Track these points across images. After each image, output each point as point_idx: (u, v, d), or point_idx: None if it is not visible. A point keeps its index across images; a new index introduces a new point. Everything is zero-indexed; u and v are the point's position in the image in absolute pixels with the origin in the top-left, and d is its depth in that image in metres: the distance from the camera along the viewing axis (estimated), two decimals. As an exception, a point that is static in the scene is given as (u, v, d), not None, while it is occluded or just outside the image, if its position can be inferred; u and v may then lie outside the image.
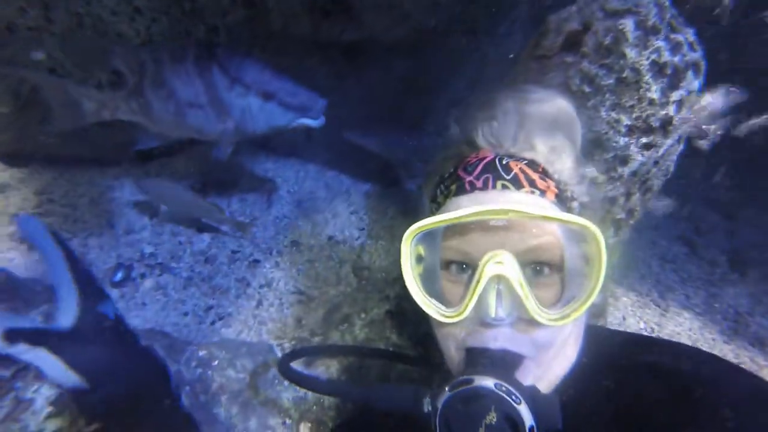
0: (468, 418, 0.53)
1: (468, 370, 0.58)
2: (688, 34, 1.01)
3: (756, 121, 1.70)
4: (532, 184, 0.65)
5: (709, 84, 1.09)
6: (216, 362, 1.06)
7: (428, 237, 0.66)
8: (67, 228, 1.53)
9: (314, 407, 1.17)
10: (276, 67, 1.34)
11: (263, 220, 1.76)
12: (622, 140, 0.99)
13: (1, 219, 1.40)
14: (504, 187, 0.64)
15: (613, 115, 0.97)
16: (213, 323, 1.40)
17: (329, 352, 1.22)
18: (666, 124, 0.94)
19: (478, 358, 0.59)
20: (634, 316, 1.80)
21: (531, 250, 0.61)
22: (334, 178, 1.95)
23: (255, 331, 1.37)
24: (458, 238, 0.64)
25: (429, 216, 0.66)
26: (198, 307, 1.45)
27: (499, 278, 0.59)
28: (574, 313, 0.59)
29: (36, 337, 0.59)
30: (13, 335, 0.57)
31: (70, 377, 0.61)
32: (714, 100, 1.14)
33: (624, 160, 1.01)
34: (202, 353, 1.04)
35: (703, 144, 1.17)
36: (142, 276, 1.54)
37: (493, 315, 0.58)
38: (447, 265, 0.67)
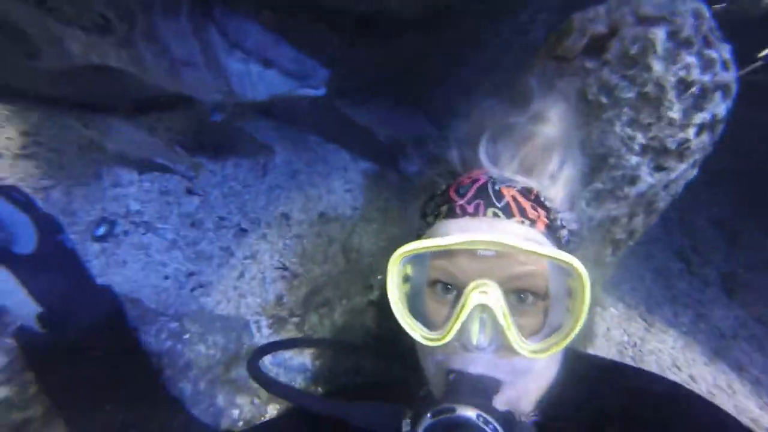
0: None
1: (449, 397, 0.59)
2: (723, 51, 0.94)
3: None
4: (522, 213, 0.65)
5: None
6: (187, 336, 1.04)
7: (416, 258, 0.67)
8: (51, 174, 1.48)
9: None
10: (282, 31, 1.27)
11: (256, 189, 1.71)
12: (634, 159, 0.93)
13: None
14: (494, 215, 0.65)
15: (628, 131, 0.91)
16: (193, 290, 1.38)
17: (303, 345, 1.21)
18: (683, 148, 0.89)
19: (458, 384, 0.60)
20: (619, 328, 1.78)
21: (516, 278, 0.62)
22: (334, 152, 1.89)
23: (234, 304, 1.35)
24: (446, 260, 0.65)
25: (418, 234, 0.70)
26: (179, 271, 1.43)
27: (483, 307, 0.59)
28: (554, 347, 0.61)
29: None
30: None
31: (30, 305, 0.59)
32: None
33: (632, 181, 0.95)
34: (173, 325, 1.02)
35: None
36: (126, 233, 1.50)
37: (474, 342, 0.60)
38: (433, 284, 0.68)
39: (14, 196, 0.62)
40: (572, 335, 0.60)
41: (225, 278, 1.42)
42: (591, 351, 0.91)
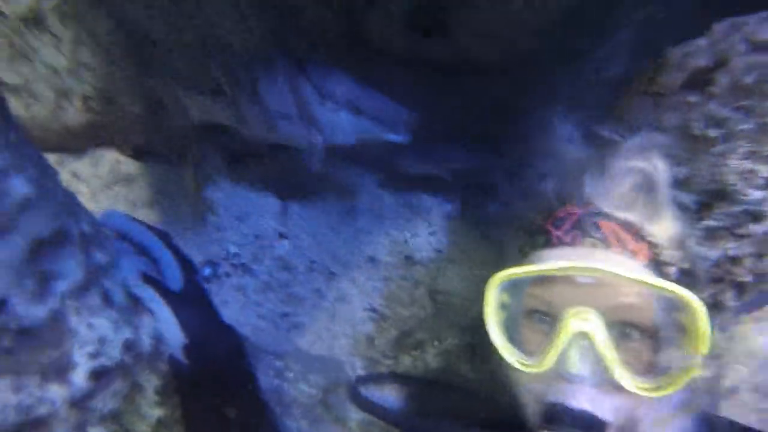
0: None
1: (547, 423, 0.56)
2: None
3: None
4: (622, 243, 0.63)
5: None
6: (291, 374, 1.08)
7: (513, 286, 0.66)
8: (169, 220, 1.66)
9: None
10: (370, 80, 1.37)
11: (344, 233, 1.79)
12: (757, 194, 0.87)
13: (126, 206, 1.56)
14: (593, 244, 0.63)
15: (747, 165, 0.86)
16: (288, 330, 1.45)
17: (400, 381, 1.21)
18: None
19: (558, 415, 0.57)
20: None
21: (618, 309, 0.59)
22: (416, 196, 1.94)
23: (327, 344, 1.39)
24: (543, 288, 0.63)
25: (514, 265, 0.66)
26: (274, 312, 1.51)
27: (583, 335, 0.57)
28: (668, 387, 0.55)
29: (160, 289, 0.65)
30: (147, 279, 0.65)
31: (180, 337, 0.66)
32: None
33: (757, 217, 0.88)
34: (278, 364, 1.07)
35: None
36: (227, 275, 1.63)
37: (575, 371, 0.57)
38: (530, 314, 0.67)
39: (168, 241, 0.72)
40: (687, 375, 0.55)
41: (317, 320, 1.48)
42: (719, 412, 0.82)
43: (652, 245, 0.66)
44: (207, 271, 1.59)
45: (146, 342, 0.71)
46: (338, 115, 1.27)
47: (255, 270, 1.68)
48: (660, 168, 0.72)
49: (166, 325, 0.65)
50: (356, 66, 1.70)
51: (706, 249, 0.99)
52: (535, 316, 0.65)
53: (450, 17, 1.44)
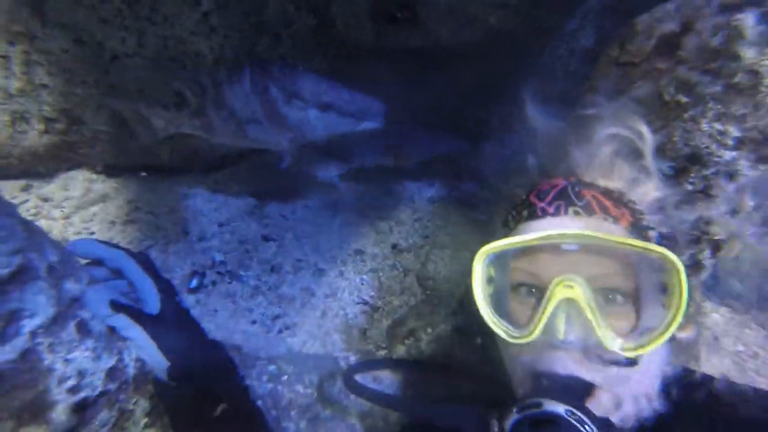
0: None
1: (536, 392, 0.57)
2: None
3: None
4: (605, 210, 0.64)
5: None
6: (285, 377, 1.08)
7: (499, 259, 0.67)
8: (150, 235, 1.63)
9: (380, 423, 1.16)
10: (338, 73, 1.35)
11: (328, 228, 1.77)
12: (729, 154, 0.87)
13: (103, 225, 1.53)
14: (576, 213, 0.64)
15: (718, 126, 0.86)
16: (280, 332, 1.44)
17: (394, 366, 1.22)
18: (793, 134, 0.82)
19: (546, 382, 0.58)
20: (729, 336, 1.62)
21: (602, 276, 0.60)
22: (398, 184, 1.93)
23: (320, 342, 1.39)
24: (529, 260, 0.64)
25: (499, 240, 0.66)
26: (265, 315, 1.50)
27: (569, 302, 0.58)
28: (649, 344, 0.57)
29: (134, 315, 0.63)
30: (118, 306, 0.62)
31: (161, 361, 0.65)
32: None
33: (730, 176, 0.89)
34: (271, 368, 1.07)
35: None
36: (214, 283, 1.61)
37: (562, 338, 0.58)
38: (516, 287, 0.67)
39: (144, 263, 0.70)
40: (669, 332, 0.56)
41: (309, 318, 1.47)
42: (700, 367, 0.84)
43: (633, 211, 0.67)
44: (194, 283, 1.57)
45: (131, 366, 0.70)
46: (307, 113, 1.25)
47: (242, 276, 1.66)
48: (639, 134, 0.73)
49: (145, 351, 0.64)
50: (324, 59, 1.67)
51: (684, 212, 1.00)
52: (522, 288, 0.66)
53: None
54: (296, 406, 1.09)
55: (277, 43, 1.57)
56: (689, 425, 0.64)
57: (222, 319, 1.51)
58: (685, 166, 0.94)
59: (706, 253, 1.06)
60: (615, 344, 0.57)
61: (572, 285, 0.58)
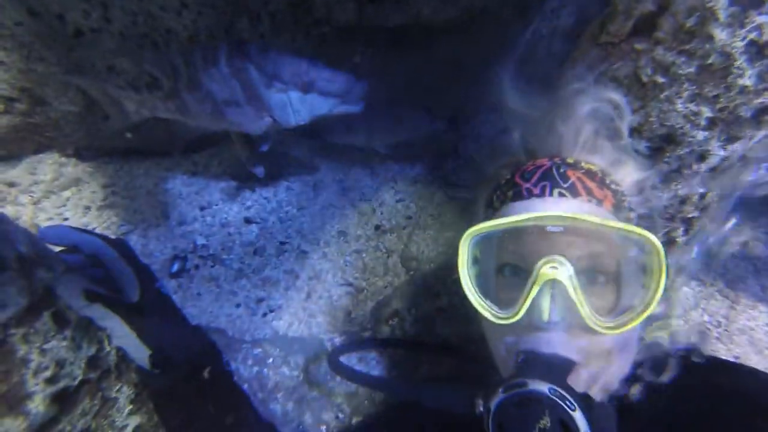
0: (521, 422, 0.53)
1: (520, 373, 0.58)
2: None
3: None
4: (589, 192, 0.65)
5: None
6: (271, 360, 1.09)
7: (484, 240, 0.67)
8: (128, 219, 1.60)
9: (366, 402, 1.18)
10: (316, 54, 1.31)
11: (311, 210, 1.77)
12: (701, 134, 0.89)
13: (77, 211, 1.49)
14: (561, 195, 0.65)
15: (692, 107, 0.87)
16: (265, 315, 1.44)
17: (379, 346, 1.23)
18: (761, 114, 0.84)
19: (530, 362, 0.59)
20: (697, 308, 1.69)
21: (586, 258, 0.61)
22: (380, 164, 1.92)
23: (305, 324, 1.40)
24: (514, 241, 0.65)
25: (484, 220, 0.66)
26: (249, 299, 1.50)
27: (553, 282, 0.59)
28: (630, 323, 0.59)
29: (110, 304, 0.63)
30: (92, 295, 0.61)
31: (141, 349, 0.65)
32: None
33: (702, 156, 0.91)
34: (257, 351, 1.07)
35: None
36: (196, 267, 1.60)
37: (546, 319, 0.59)
38: (501, 268, 0.68)
39: (122, 250, 0.68)
40: (648, 311, 0.58)
41: (294, 300, 1.47)
42: (670, 338, 0.88)
43: (615, 193, 0.69)
44: (175, 267, 1.55)
45: (113, 354, 0.69)
46: (287, 95, 1.22)
47: (225, 259, 1.65)
48: (620, 114, 0.74)
49: (124, 341, 0.63)
50: (305, 39, 1.63)
51: (660, 192, 1.03)
52: (507, 269, 0.66)
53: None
54: (282, 388, 1.10)
55: (256, 21, 1.53)
56: (664, 397, 0.66)
57: (206, 303, 1.50)
58: (660, 146, 0.96)
59: (680, 231, 1.10)
60: (597, 323, 0.59)
61: (557, 266, 0.59)
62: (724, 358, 0.95)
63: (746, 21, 0.77)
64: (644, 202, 0.78)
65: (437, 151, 1.87)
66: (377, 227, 1.67)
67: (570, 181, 0.66)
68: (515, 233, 0.64)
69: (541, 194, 0.66)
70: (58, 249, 0.69)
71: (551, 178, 0.67)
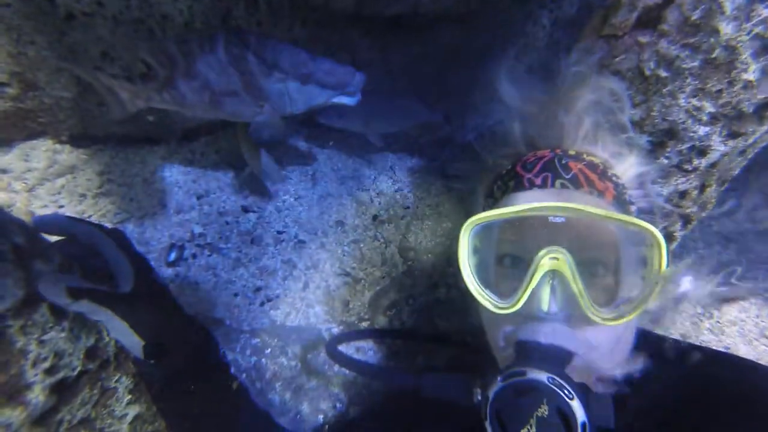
0: (519, 410, 0.53)
1: (519, 362, 0.58)
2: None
3: None
4: (590, 184, 0.65)
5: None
6: (269, 350, 1.09)
7: (485, 230, 0.67)
8: (124, 208, 1.58)
9: (364, 392, 1.19)
10: (315, 43, 1.29)
11: (308, 199, 1.76)
12: (702, 130, 0.89)
13: (73, 198, 1.47)
14: (563, 186, 0.65)
15: (694, 102, 0.87)
16: (262, 304, 1.44)
17: (377, 336, 1.24)
18: (763, 110, 0.84)
19: (529, 352, 0.59)
20: (690, 300, 1.70)
21: (587, 249, 0.61)
22: (379, 154, 1.91)
23: (303, 314, 1.40)
24: (515, 232, 0.65)
25: (484, 210, 0.66)
26: (247, 288, 1.49)
27: (553, 273, 0.59)
28: (629, 314, 0.59)
29: (99, 298, 0.61)
30: (76, 292, 0.58)
31: (135, 341, 0.64)
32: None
33: (702, 152, 0.91)
34: (255, 341, 1.07)
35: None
36: (194, 256, 1.59)
37: (545, 309, 0.59)
38: (501, 258, 0.68)
39: (118, 240, 0.68)
40: (647, 303, 0.58)
41: (291, 290, 1.47)
42: (667, 331, 0.89)
43: (616, 185, 0.68)
44: (172, 256, 1.54)
45: (112, 344, 0.69)
46: (286, 85, 1.21)
47: (223, 248, 1.64)
48: (620, 106, 0.74)
49: (117, 332, 0.63)
50: (302, 27, 1.60)
51: (660, 186, 1.03)
52: (507, 259, 0.67)
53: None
54: (280, 378, 1.10)
55: (253, 8, 1.50)
56: (661, 387, 0.67)
57: (203, 293, 1.50)
58: (662, 141, 0.96)
59: (678, 225, 1.10)
60: (597, 314, 0.59)
61: (558, 257, 0.59)
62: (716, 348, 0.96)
63: (752, 14, 0.77)
64: (644, 196, 0.78)
65: (435, 141, 1.87)
66: (375, 217, 1.67)
67: (572, 173, 0.65)
68: (516, 223, 0.64)
69: (543, 185, 0.66)
70: (54, 239, 0.68)
71: (553, 169, 0.67)
